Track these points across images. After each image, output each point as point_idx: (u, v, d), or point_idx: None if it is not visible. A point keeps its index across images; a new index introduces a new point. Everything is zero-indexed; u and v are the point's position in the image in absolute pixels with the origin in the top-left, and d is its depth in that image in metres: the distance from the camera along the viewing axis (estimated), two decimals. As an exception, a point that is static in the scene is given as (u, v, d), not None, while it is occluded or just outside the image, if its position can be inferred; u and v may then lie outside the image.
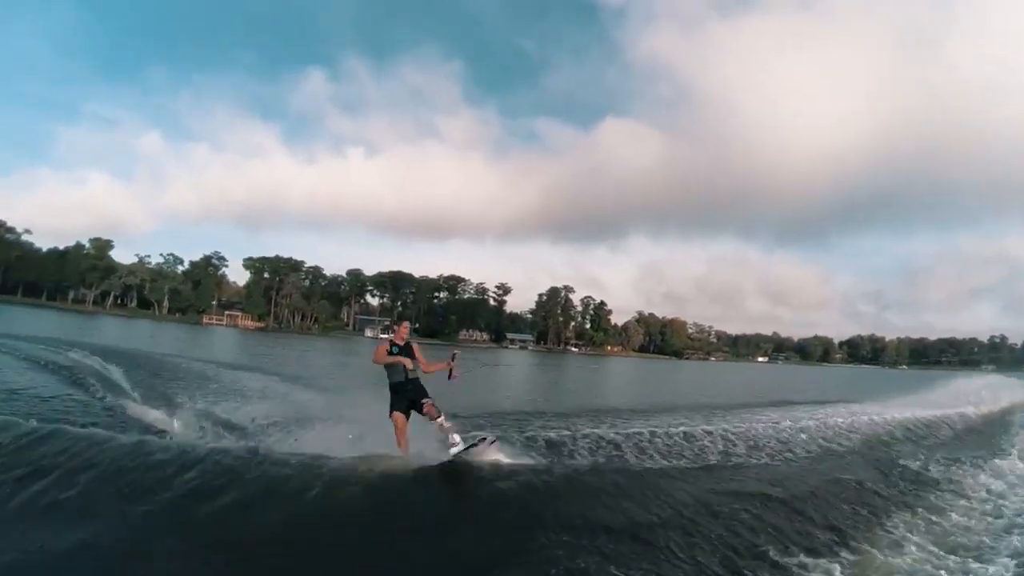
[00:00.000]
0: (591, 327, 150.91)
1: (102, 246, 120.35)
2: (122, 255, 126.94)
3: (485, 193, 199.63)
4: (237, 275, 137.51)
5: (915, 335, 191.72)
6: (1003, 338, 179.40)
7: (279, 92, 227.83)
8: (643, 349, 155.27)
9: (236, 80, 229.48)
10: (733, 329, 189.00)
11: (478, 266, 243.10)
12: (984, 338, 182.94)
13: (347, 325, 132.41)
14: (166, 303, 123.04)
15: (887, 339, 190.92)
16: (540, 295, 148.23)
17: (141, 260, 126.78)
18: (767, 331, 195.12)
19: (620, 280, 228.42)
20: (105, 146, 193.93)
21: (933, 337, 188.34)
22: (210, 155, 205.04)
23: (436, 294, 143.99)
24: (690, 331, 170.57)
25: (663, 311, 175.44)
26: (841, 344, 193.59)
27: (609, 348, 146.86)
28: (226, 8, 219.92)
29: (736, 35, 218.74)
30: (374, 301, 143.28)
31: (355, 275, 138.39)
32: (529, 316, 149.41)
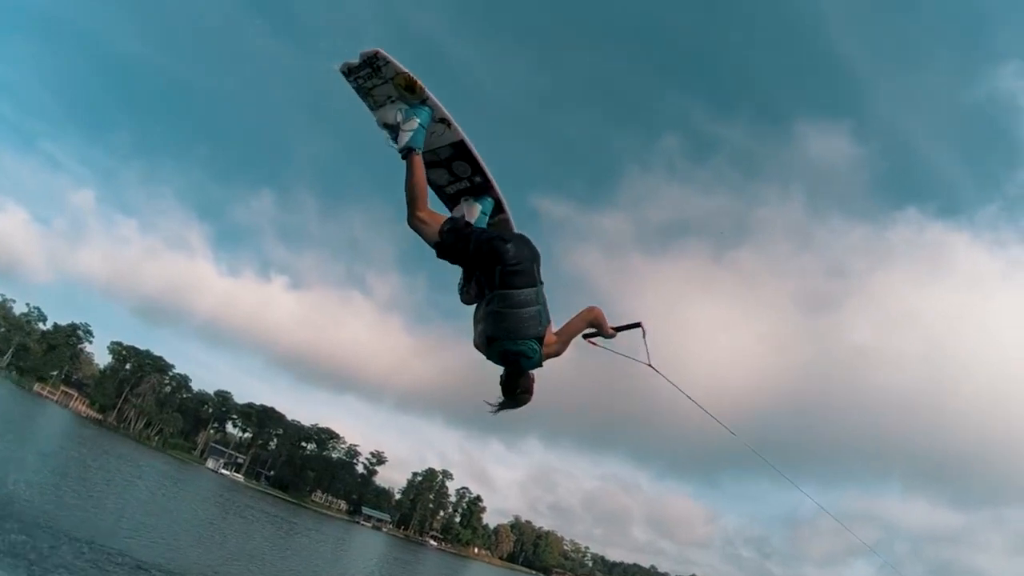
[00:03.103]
0: (460, 522, 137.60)
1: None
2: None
3: (394, 357, 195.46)
4: (100, 356, 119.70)
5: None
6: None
7: (226, 196, 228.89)
8: (511, 558, 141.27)
9: (190, 171, 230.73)
10: (614, 555, 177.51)
11: (364, 428, 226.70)
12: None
13: (195, 449, 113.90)
14: (8, 357, 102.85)
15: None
16: (415, 474, 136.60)
17: (4, 300, 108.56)
18: (647, 562, 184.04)
19: (508, 479, 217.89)
20: (40, 185, 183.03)
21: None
22: (135, 233, 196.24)
23: (303, 443, 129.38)
24: (566, 548, 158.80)
25: (544, 522, 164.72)
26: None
27: (475, 550, 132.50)
28: (208, 105, 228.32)
29: (655, 271, 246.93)
30: (236, 432, 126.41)
31: (223, 397, 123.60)
32: (398, 495, 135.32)
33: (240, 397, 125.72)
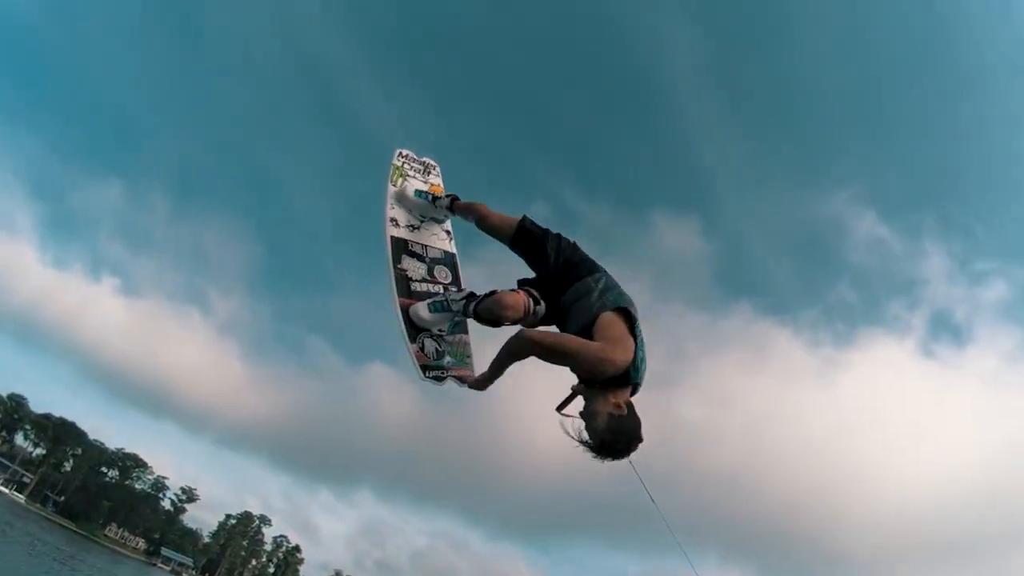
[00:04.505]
0: (274, 573, 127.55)
1: None
2: None
3: (225, 386, 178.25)
4: None
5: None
6: None
7: (68, 178, 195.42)
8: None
9: (29, 140, 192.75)
10: None
11: (179, 461, 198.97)
12: None
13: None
14: None
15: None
16: (228, 516, 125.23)
17: None
18: None
19: (335, 531, 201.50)
20: None
21: None
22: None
23: (104, 468, 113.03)
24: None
25: None
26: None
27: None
28: (67, 71, 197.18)
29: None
30: (27, 445, 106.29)
31: (16, 402, 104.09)
32: (207, 538, 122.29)
33: (38, 405, 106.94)
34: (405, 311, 3.70)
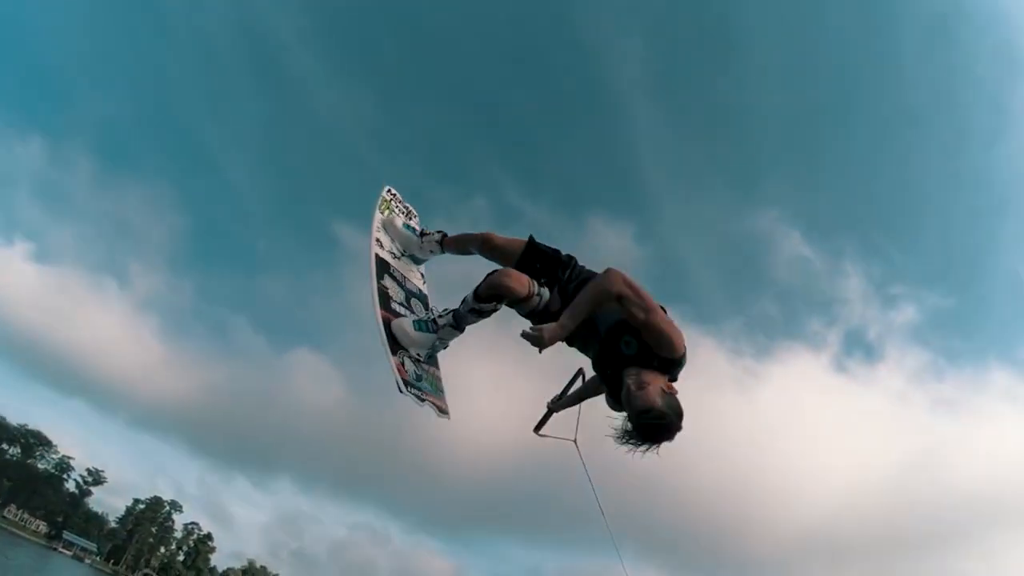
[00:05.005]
0: (184, 561, 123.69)
1: None
2: None
3: (141, 365, 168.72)
4: None
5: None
6: None
7: None
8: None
9: None
10: None
11: (87, 441, 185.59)
12: None
13: None
14: None
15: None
16: (136, 500, 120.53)
17: None
18: None
19: (251, 520, 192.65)
20: None
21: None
22: None
23: (5, 446, 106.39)
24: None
25: (284, 570, 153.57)
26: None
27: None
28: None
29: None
30: None
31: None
32: (113, 523, 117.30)
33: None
34: (387, 324, 3.57)
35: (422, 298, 4.19)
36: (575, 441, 3.55)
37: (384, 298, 3.75)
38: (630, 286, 2.94)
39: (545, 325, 3.00)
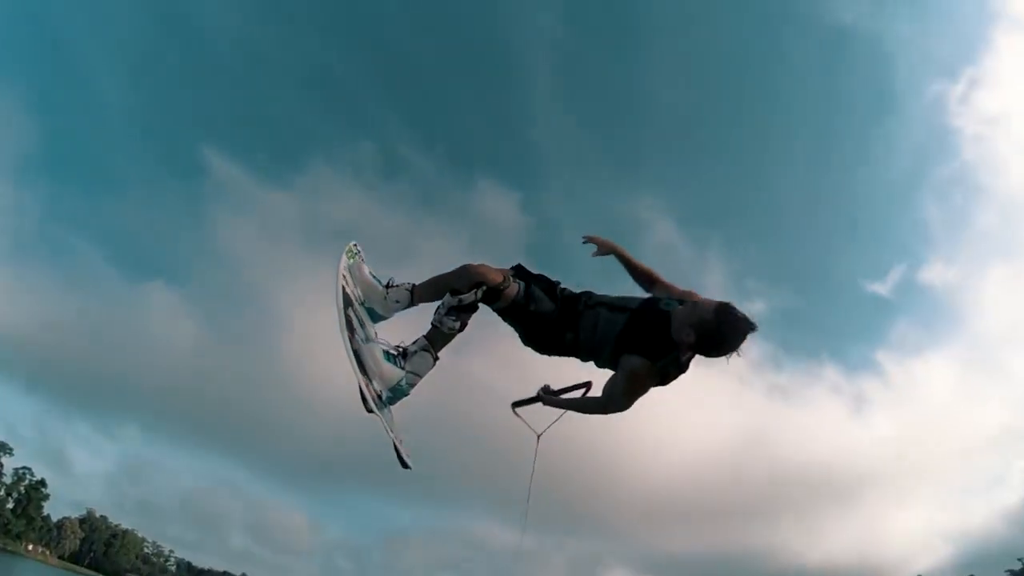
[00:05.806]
0: (13, 509, 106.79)
1: None
2: None
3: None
4: None
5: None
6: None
7: None
8: (75, 558, 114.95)
9: None
10: (205, 561, 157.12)
11: None
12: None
13: None
14: None
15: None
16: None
17: None
18: (238, 569, 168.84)
19: (92, 468, 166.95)
20: None
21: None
22: None
23: None
24: (147, 550, 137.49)
25: (129, 520, 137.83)
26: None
27: (28, 546, 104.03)
28: None
29: (312, 265, 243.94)
30: None
31: None
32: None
33: None
34: (356, 350, 3.40)
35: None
36: (539, 437, 3.78)
37: (349, 325, 3.56)
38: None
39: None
